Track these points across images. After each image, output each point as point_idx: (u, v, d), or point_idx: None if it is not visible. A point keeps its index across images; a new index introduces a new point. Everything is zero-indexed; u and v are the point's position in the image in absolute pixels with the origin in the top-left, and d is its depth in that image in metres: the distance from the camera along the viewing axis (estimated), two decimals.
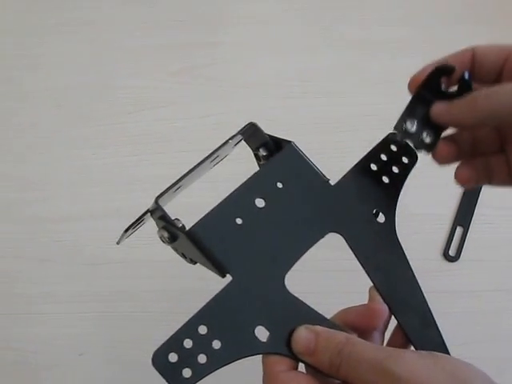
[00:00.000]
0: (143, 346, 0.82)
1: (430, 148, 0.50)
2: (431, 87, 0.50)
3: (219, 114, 0.99)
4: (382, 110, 0.90)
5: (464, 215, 0.90)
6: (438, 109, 0.49)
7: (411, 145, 0.51)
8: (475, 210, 0.90)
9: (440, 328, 0.48)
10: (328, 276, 0.86)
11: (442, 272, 0.86)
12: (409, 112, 0.50)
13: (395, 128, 0.50)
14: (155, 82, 1.03)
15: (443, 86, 0.50)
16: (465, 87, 0.49)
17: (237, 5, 1.10)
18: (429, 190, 0.90)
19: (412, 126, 0.50)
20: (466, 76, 0.49)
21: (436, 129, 0.50)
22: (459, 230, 0.89)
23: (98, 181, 0.95)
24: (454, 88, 0.50)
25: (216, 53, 1.06)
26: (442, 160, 0.51)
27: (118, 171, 0.96)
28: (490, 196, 0.91)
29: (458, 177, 0.51)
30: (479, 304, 0.84)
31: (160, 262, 0.86)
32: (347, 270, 0.78)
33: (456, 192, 0.92)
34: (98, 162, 0.97)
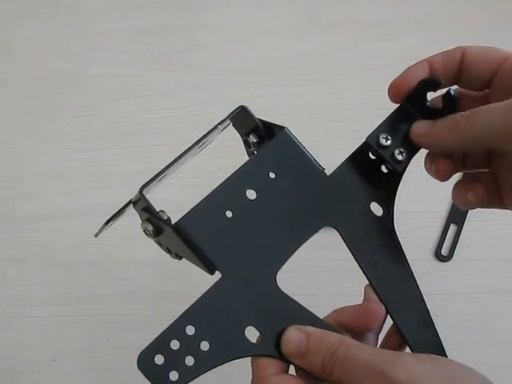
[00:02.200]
0: (120, 350, 0.81)
1: (400, 165, 0.49)
2: (415, 101, 0.49)
3: (201, 103, 0.97)
4: (375, 97, 0.90)
5: (458, 212, 0.88)
6: (419, 130, 0.48)
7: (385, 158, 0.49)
8: None
9: None
10: (322, 276, 0.86)
11: (434, 272, 0.86)
12: (387, 124, 0.49)
13: (368, 137, 0.49)
14: (132, 70, 1.02)
15: (427, 101, 0.49)
16: (450, 104, 0.48)
17: None
18: (420, 185, 0.88)
19: (386, 140, 0.49)
20: (452, 93, 0.48)
21: (412, 147, 0.49)
22: (453, 228, 0.88)
23: (72, 177, 0.94)
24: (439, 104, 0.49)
25: (197, 37, 1.04)
26: (443, 178, 0.50)
27: (94, 166, 0.94)
28: None
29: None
30: (472, 306, 0.83)
31: (137, 263, 0.87)
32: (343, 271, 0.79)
33: (450, 187, 0.90)
34: (72, 156, 0.95)
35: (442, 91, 0.50)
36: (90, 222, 0.88)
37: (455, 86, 0.50)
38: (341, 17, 1.05)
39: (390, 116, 0.50)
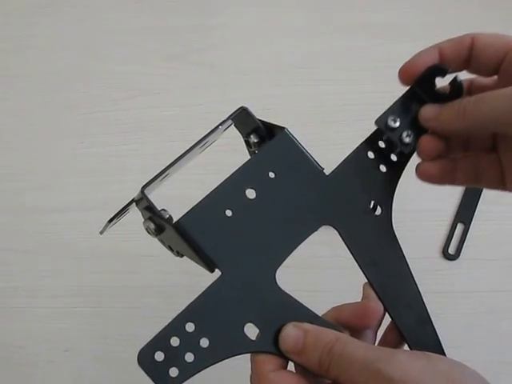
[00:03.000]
0: (130, 342, 0.83)
1: (407, 147, 0.50)
2: (424, 85, 0.50)
3: (214, 102, 0.99)
4: (387, 98, 0.91)
5: (466, 211, 0.89)
6: (427, 113, 0.50)
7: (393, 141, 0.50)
8: (478, 207, 0.90)
9: (438, 330, 0.48)
10: (323, 274, 0.87)
11: (441, 271, 0.86)
12: (397, 107, 0.51)
13: (377, 120, 0.50)
14: (146, 68, 1.04)
15: (436, 87, 0.50)
16: (457, 90, 0.49)
17: None
18: (428, 184, 0.91)
19: (395, 122, 0.50)
20: (458, 79, 0.49)
21: (419, 130, 0.50)
22: (460, 227, 0.89)
23: (86, 171, 0.96)
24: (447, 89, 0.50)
25: (211, 37, 1.06)
26: (425, 156, 0.50)
27: (108, 161, 0.96)
28: (494, 192, 0.90)
29: (419, 172, 0.51)
30: (479, 305, 0.84)
31: (148, 257, 0.88)
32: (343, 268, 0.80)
33: (458, 187, 0.91)
34: (87, 150, 0.97)
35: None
36: (103, 216, 0.90)
37: (462, 73, 0.50)
38: (353, 19, 1.07)
39: (398, 99, 0.51)
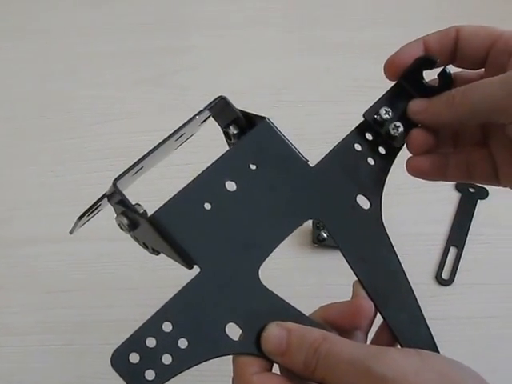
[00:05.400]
0: (106, 381, 0.79)
1: (396, 141, 0.51)
2: (411, 79, 0.51)
3: None
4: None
5: (458, 235, 0.88)
6: (416, 106, 0.50)
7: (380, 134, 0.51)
8: (470, 229, 0.89)
9: None
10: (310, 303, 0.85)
11: (435, 297, 0.85)
12: (384, 101, 0.51)
13: (365, 114, 0.51)
14: (118, 92, 1.03)
15: (424, 80, 0.51)
16: (446, 82, 0.50)
17: (205, 7, 1.10)
18: (419, 206, 0.90)
19: (383, 115, 0.50)
20: (447, 71, 0.50)
21: (408, 123, 0.51)
22: (453, 251, 0.88)
23: (56, 200, 0.93)
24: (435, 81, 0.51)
25: (185, 59, 1.06)
26: (415, 150, 0.51)
27: (79, 190, 0.94)
28: (486, 214, 0.90)
29: (409, 166, 0.52)
30: (475, 332, 0.83)
31: (124, 290, 0.85)
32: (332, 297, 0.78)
33: (449, 209, 0.91)
34: (57, 179, 0.95)
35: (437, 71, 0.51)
36: (76, 248, 0.88)
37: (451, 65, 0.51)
38: (332, 39, 1.08)
39: (386, 93, 0.51)
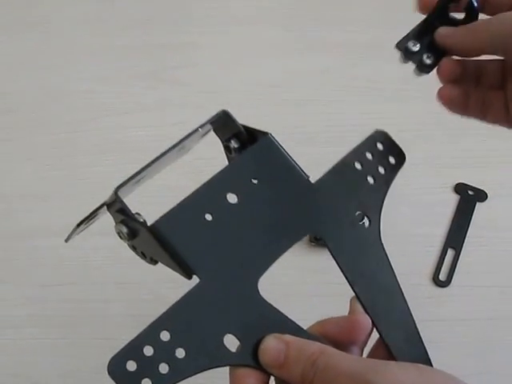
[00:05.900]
0: (99, 375, 0.79)
1: (428, 69, 0.54)
2: (439, 13, 0.54)
3: (187, 121, 0.96)
4: (366, 119, 0.91)
5: (456, 236, 0.89)
6: (443, 32, 0.53)
7: (414, 64, 0.54)
8: (468, 231, 0.89)
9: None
10: (309, 302, 0.84)
11: (432, 298, 0.85)
12: (414, 34, 0.54)
13: (397, 45, 0.54)
14: (118, 87, 1.03)
15: (450, 14, 0.54)
16: (472, 15, 0.53)
17: (208, 3, 1.10)
18: (417, 208, 0.90)
19: (415, 46, 0.54)
20: (474, 4, 0.53)
21: (438, 53, 0.54)
22: (450, 253, 0.88)
23: (53, 195, 0.93)
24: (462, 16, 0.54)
25: (184, 55, 1.06)
26: (445, 77, 0.54)
27: (76, 184, 0.94)
28: (484, 216, 0.90)
29: (440, 94, 0.56)
30: (471, 333, 0.83)
31: (119, 284, 0.85)
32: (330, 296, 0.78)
33: (447, 211, 0.91)
34: (54, 173, 0.95)
35: None
36: (69, 242, 0.88)
37: None
38: (332, 38, 1.08)
39: (415, 27, 0.55)
